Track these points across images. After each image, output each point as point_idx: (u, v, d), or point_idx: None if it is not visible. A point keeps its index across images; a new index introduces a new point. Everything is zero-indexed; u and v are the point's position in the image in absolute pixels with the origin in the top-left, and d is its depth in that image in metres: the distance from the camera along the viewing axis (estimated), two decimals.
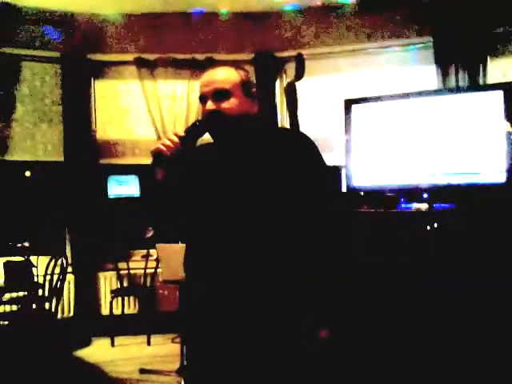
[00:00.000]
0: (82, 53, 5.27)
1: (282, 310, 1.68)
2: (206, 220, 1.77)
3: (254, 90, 1.83)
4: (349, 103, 4.29)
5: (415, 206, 3.99)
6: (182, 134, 1.72)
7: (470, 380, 3.21)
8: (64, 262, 4.73)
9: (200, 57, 5.32)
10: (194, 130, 1.75)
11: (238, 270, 1.68)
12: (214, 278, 1.72)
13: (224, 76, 1.77)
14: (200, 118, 1.81)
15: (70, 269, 4.97)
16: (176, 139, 1.71)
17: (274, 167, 1.73)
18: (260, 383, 1.70)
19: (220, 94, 1.74)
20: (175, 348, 4.53)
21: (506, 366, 3.18)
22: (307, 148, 1.80)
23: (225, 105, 1.74)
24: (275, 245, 1.69)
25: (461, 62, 4.51)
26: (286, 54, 5.19)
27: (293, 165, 1.73)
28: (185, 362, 4.03)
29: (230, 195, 1.74)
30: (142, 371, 4.18)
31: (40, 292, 4.63)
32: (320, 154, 1.82)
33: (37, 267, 4.91)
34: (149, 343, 4.94)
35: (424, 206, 3.92)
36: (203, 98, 1.78)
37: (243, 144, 1.79)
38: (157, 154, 1.71)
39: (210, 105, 1.74)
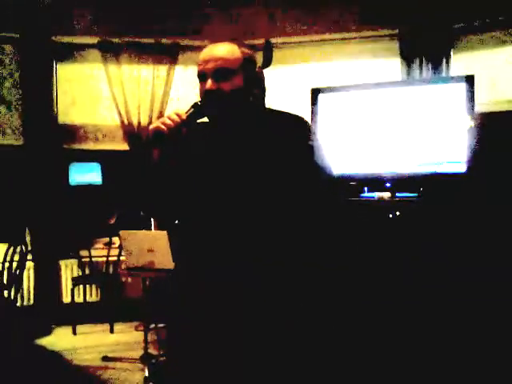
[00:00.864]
0: (43, 34, 5.13)
1: (271, 295, 1.66)
2: (198, 203, 1.73)
3: (257, 69, 1.74)
4: (315, 92, 4.33)
5: (378, 194, 4.06)
6: (183, 115, 1.64)
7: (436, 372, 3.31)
8: (24, 248, 4.62)
9: (166, 41, 5.26)
10: (194, 112, 1.66)
11: (230, 254, 1.66)
12: (205, 263, 1.70)
13: (226, 53, 1.67)
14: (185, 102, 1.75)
15: (29, 256, 4.87)
16: (178, 119, 1.62)
17: (269, 153, 1.66)
18: (252, 369, 1.68)
19: (221, 73, 1.65)
20: (138, 335, 4.50)
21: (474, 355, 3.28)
22: (304, 133, 1.73)
23: (226, 85, 1.65)
24: (268, 229, 1.65)
25: (425, 55, 4.59)
26: (254, 41, 5.17)
27: (289, 150, 1.67)
28: (149, 350, 4.01)
29: (223, 179, 1.69)
30: (105, 359, 4.14)
31: None
32: (317, 139, 1.73)
33: None
34: (112, 331, 4.89)
35: (387, 195, 4.00)
36: (203, 76, 1.68)
37: (241, 127, 1.72)
38: (156, 133, 1.62)
39: (210, 84, 1.65)
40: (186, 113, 1.65)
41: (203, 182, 1.72)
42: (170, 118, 1.63)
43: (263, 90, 1.82)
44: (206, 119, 1.74)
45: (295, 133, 1.71)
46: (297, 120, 1.76)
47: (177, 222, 1.92)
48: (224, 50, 1.68)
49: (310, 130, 1.75)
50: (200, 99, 1.69)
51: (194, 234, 1.75)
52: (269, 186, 1.65)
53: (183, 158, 1.72)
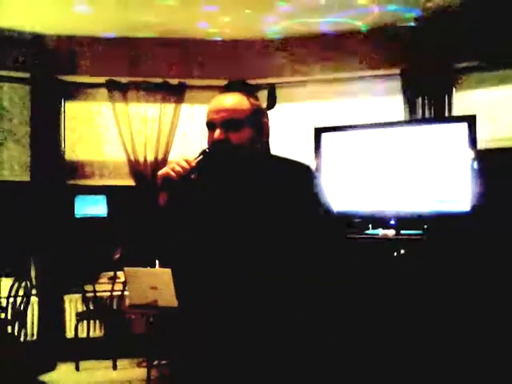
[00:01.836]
0: (52, 74, 5.25)
1: (276, 340, 1.67)
2: (203, 247, 1.75)
3: (265, 120, 1.79)
4: (318, 131, 4.39)
5: (382, 232, 4.07)
6: (192, 162, 1.67)
7: None
8: (28, 284, 4.64)
9: (173, 81, 5.37)
10: (203, 159, 1.69)
11: (235, 297, 1.68)
12: (210, 307, 1.72)
13: (235, 104, 1.71)
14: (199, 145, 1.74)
15: (34, 291, 4.88)
16: (187, 166, 1.66)
17: (274, 199, 1.69)
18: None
19: (230, 124, 1.69)
20: (141, 372, 4.47)
21: None
22: (308, 179, 1.76)
23: (234, 135, 1.69)
24: (275, 273, 1.67)
25: (427, 94, 4.67)
26: (258, 81, 5.27)
27: (294, 197, 1.70)
28: None
29: (229, 225, 1.72)
30: None
31: (3, 315, 4.52)
32: (320, 187, 1.77)
33: None
34: (115, 367, 4.85)
35: (391, 233, 4.01)
36: (212, 126, 1.72)
37: (247, 175, 1.75)
38: (165, 179, 1.66)
39: (218, 134, 1.69)
40: (195, 160, 1.68)
41: (209, 226, 1.74)
42: (179, 165, 1.66)
43: (268, 137, 1.87)
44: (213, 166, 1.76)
45: (299, 179, 1.75)
46: (301, 167, 1.80)
47: (180, 263, 1.95)
48: (233, 101, 1.72)
49: (313, 177, 1.78)
50: (208, 147, 1.73)
51: (198, 277, 1.76)
52: (274, 231, 1.67)
53: (190, 204, 1.75)
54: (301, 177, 1.76)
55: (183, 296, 1.84)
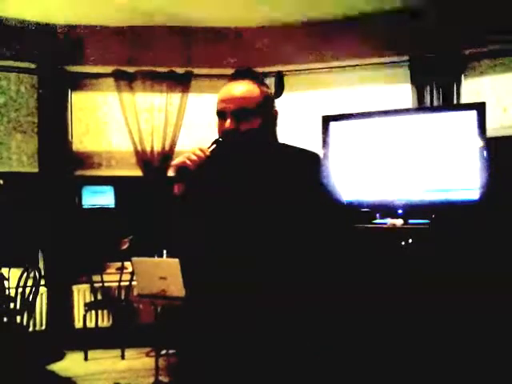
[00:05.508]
0: (59, 64, 5.25)
1: (286, 331, 1.66)
2: (217, 236, 1.74)
3: (276, 108, 1.77)
4: (326, 120, 4.35)
5: (390, 221, 4.05)
6: (207, 151, 1.66)
7: None
8: (37, 274, 4.66)
9: (179, 70, 5.34)
10: (217, 149, 1.69)
11: (245, 289, 1.67)
12: (220, 297, 1.72)
13: (245, 93, 1.69)
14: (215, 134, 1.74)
15: (42, 281, 4.90)
16: (202, 155, 1.65)
17: (285, 188, 1.68)
18: None
19: (240, 113, 1.68)
20: (150, 362, 4.49)
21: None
22: (317, 168, 1.76)
23: (244, 125, 1.68)
24: (285, 264, 1.66)
25: (435, 81, 4.62)
26: (265, 69, 5.23)
27: (303, 186, 1.70)
28: (160, 377, 4.00)
29: (241, 214, 1.71)
30: None
31: (12, 305, 4.55)
32: (329, 174, 1.77)
33: (8, 280, 4.83)
34: (123, 357, 4.88)
35: (399, 222, 3.99)
36: (222, 115, 1.70)
37: (258, 164, 1.74)
38: (182, 168, 1.66)
39: (228, 123, 1.68)
40: (209, 149, 1.67)
41: (222, 215, 1.74)
42: (195, 154, 1.65)
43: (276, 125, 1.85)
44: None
45: (309, 168, 1.74)
46: (310, 155, 1.79)
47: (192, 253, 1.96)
48: (244, 90, 1.70)
49: (322, 165, 1.77)
50: (219, 136, 1.71)
51: (210, 266, 1.76)
52: (285, 219, 1.66)
53: (207, 192, 1.75)
54: (310, 165, 1.75)
55: (196, 284, 1.83)
